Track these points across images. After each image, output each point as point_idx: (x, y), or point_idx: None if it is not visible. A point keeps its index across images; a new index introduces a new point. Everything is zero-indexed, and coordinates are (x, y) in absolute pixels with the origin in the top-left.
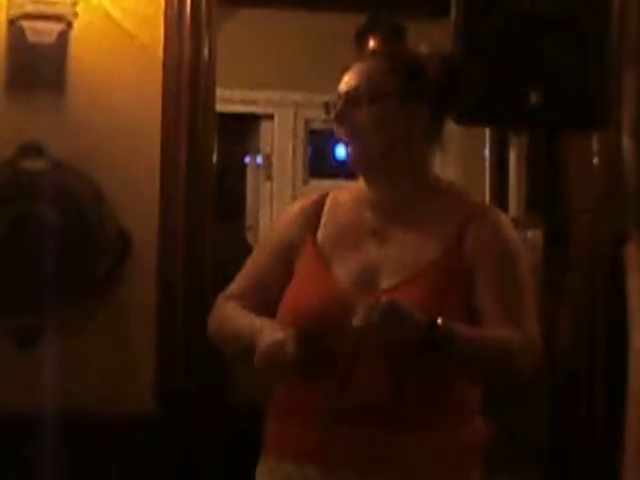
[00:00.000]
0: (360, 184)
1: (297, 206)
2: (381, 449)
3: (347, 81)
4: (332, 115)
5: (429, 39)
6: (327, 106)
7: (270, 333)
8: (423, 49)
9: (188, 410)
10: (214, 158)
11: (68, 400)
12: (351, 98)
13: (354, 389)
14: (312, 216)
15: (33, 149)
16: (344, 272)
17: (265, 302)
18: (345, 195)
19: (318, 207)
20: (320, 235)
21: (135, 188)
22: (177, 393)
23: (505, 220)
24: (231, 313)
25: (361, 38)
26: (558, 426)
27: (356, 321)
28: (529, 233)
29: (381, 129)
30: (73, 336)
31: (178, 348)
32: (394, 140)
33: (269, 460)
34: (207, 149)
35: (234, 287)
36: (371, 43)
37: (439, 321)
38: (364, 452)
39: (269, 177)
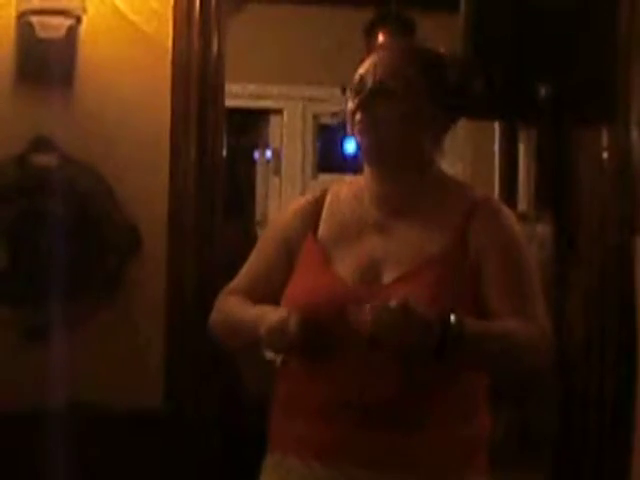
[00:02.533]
0: (361, 178)
1: (297, 203)
2: (387, 444)
3: (375, 69)
4: (353, 101)
5: (438, 32)
6: (344, 89)
7: (273, 314)
8: (449, 54)
9: (196, 406)
10: (223, 152)
11: (76, 395)
12: (379, 89)
13: (361, 383)
14: (313, 212)
15: (42, 144)
16: (346, 266)
17: (267, 298)
18: (346, 189)
19: (318, 203)
20: (321, 230)
21: (145, 183)
22: (185, 389)
23: (507, 211)
24: (233, 304)
25: (370, 32)
26: (568, 421)
27: (364, 324)
28: (538, 228)
29: (401, 125)
30: (82, 331)
31: (187, 343)
32: (413, 137)
33: (274, 455)
34: (216, 143)
35: (236, 283)
36: (380, 37)
37: (452, 319)
38: (370, 447)
39: (278, 171)
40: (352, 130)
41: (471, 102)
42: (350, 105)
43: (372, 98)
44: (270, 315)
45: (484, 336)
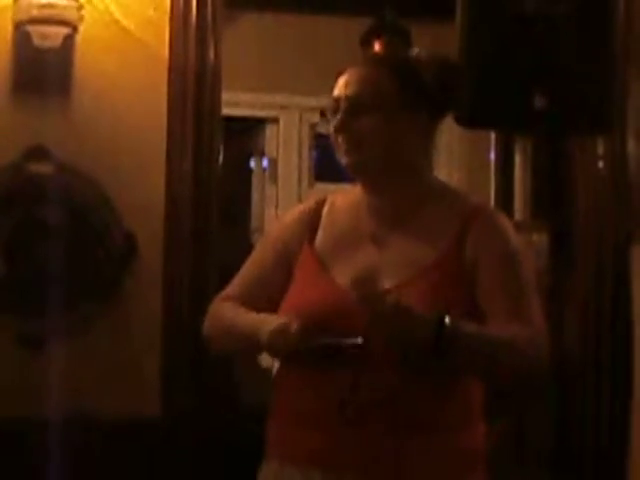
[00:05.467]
0: (358, 188)
1: (295, 211)
2: (385, 453)
3: (345, 88)
4: (332, 124)
5: (433, 42)
6: (324, 114)
7: (273, 319)
8: (421, 54)
9: (193, 413)
10: (219, 161)
11: (73, 403)
12: (352, 106)
13: (359, 389)
14: (310, 221)
15: (39, 152)
16: (343, 276)
17: (261, 303)
18: (343, 199)
19: (316, 212)
20: (318, 240)
21: (141, 191)
22: (182, 396)
23: (505, 219)
24: (228, 310)
25: (367, 42)
26: (564, 428)
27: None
28: (534, 237)
29: (383, 136)
30: (79, 339)
31: (183, 351)
32: (395, 146)
33: (272, 463)
34: (212, 152)
35: (230, 289)
36: (376, 46)
37: (446, 320)
38: (368, 456)
39: (274, 180)
40: (337, 152)
41: (452, 100)
42: (331, 128)
43: (349, 117)
44: (270, 320)
45: (478, 337)
